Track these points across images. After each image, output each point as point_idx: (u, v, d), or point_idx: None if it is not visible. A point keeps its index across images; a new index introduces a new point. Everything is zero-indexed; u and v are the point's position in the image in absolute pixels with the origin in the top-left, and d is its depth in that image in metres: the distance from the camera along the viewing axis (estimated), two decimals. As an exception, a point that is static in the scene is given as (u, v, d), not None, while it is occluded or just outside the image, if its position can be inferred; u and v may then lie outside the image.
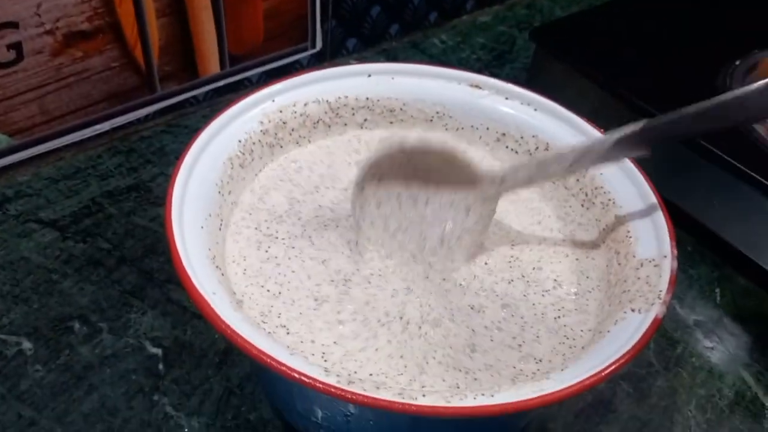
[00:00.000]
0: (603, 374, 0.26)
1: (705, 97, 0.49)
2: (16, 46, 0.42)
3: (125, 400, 0.36)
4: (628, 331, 0.28)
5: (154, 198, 0.46)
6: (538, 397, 0.25)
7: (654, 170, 0.37)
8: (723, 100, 0.28)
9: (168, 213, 0.30)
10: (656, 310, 0.28)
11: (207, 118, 0.52)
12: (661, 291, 0.29)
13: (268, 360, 0.25)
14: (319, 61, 0.58)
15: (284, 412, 0.35)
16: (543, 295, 0.33)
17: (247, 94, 0.37)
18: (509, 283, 0.33)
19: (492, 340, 0.31)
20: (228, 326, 0.26)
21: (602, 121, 0.37)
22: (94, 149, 0.49)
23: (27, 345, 0.38)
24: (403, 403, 0.25)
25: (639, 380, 0.39)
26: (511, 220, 0.36)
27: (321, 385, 0.25)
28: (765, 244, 0.44)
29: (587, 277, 0.34)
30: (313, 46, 0.57)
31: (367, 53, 0.61)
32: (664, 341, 0.41)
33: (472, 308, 0.32)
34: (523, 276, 0.34)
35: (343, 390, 0.25)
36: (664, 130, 0.30)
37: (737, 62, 0.49)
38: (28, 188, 0.46)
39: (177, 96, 0.51)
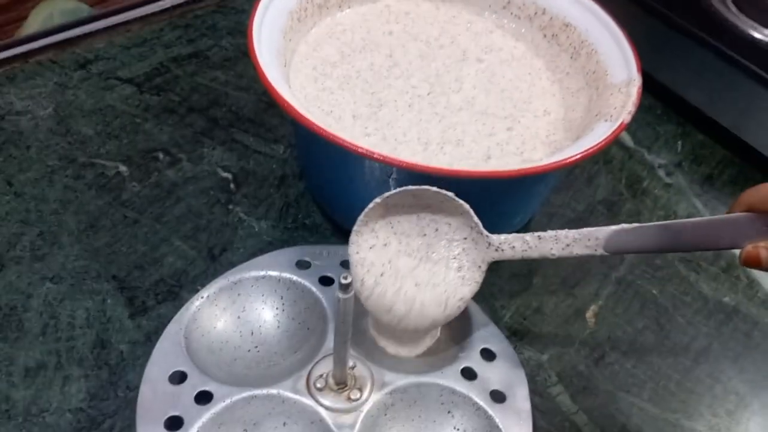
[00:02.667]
0: (576, 158, 0.35)
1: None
2: (99, -74, 0.50)
3: (207, 207, 0.45)
4: (600, 132, 0.37)
5: (212, 63, 0.55)
6: (525, 168, 0.35)
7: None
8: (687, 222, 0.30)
9: (253, 52, 0.38)
10: (623, 117, 0.38)
11: (250, 1, 0.61)
12: (628, 106, 0.38)
13: (344, 143, 0.34)
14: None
15: (333, 215, 0.45)
16: (534, 119, 0.42)
17: (300, -36, 0.45)
18: (507, 114, 0.42)
19: (502, 151, 0.40)
20: (319, 127, 0.35)
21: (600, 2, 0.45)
22: (157, 23, 0.57)
23: (123, 168, 0.47)
24: (443, 169, 0.34)
25: (611, 205, 0.49)
26: (504, 72, 0.45)
27: (378, 156, 0.34)
28: (722, 104, 0.53)
29: (573, 110, 0.43)
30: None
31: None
32: (633, 178, 0.51)
33: (485, 132, 0.41)
34: (515, 106, 0.43)
35: (392, 159, 0.34)
36: (631, 239, 0.32)
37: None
38: (105, 53, 0.54)
39: (225, -21, 0.59)
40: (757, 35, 0.52)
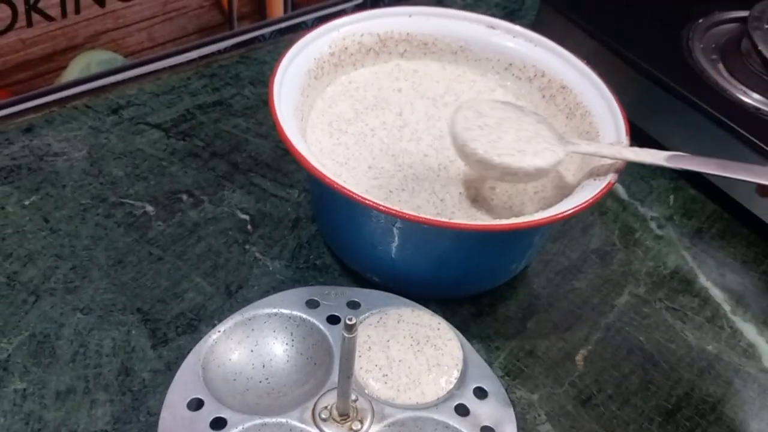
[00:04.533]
0: (565, 214, 0.39)
1: (673, 48, 0.62)
2: (137, -15, 0.55)
3: (225, 247, 0.49)
4: (590, 191, 0.41)
5: (234, 111, 0.59)
6: (511, 223, 0.38)
7: (629, 103, 0.49)
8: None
9: (273, 108, 0.42)
10: (611, 177, 0.41)
11: (272, 53, 0.65)
12: (616, 166, 0.42)
13: (363, 200, 0.37)
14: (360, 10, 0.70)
15: (342, 258, 0.48)
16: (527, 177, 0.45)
17: (317, 25, 0.49)
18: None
19: (496, 215, 0.44)
20: (329, 179, 0.38)
21: (591, 65, 0.49)
22: (185, 72, 0.61)
23: (149, 208, 0.51)
24: (441, 221, 0.37)
25: (604, 254, 0.52)
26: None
27: (383, 209, 0.37)
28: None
29: (566, 169, 0.47)
30: (358, -3, 0.69)
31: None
32: (626, 229, 0.54)
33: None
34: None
35: (398, 211, 0.37)
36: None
37: (700, 20, 0.61)
38: (136, 99, 0.59)
39: (249, 33, 0.63)
40: (746, 99, 0.55)
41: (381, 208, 0.37)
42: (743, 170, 0.41)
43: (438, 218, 0.40)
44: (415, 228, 0.40)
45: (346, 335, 0.31)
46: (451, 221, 0.38)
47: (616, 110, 0.45)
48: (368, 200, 0.38)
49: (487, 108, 0.43)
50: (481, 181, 0.45)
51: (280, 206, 0.52)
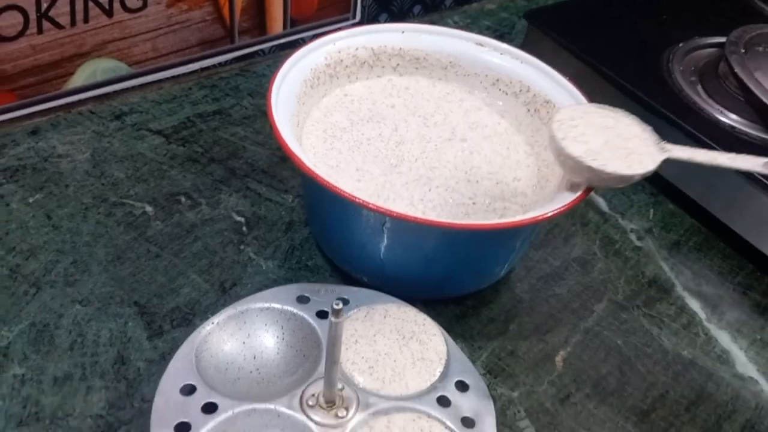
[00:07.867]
0: (544, 217, 0.41)
1: (654, 70, 0.64)
2: (144, -2, 0.57)
3: (221, 246, 0.51)
4: (569, 196, 0.43)
5: (233, 120, 0.61)
6: (499, 223, 0.40)
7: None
8: None
9: (271, 113, 0.44)
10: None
11: (270, 68, 0.68)
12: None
13: (351, 197, 0.40)
14: (357, 29, 0.73)
15: (333, 258, 0.50)
16: (499, 185, 0.48)
17: (315, 38, 0.51)
18: (477, 182, 0.48)
19: (478, 214, 0.46)
20: (323, 179, 0.40)
21: (575, 83, 0.52)
22: (186, 83, 0.64)
23: (149, 208, 0.52)
24: (429, 220, 0.39)
25: (585, 263, 0.54)
26: (483, 147, 0.51)
27: (373, 206, 0.39)
28: (690, 178, 0.59)
29: (547, 180, 0.49)
30: (354, 17, 0.72)
31: (394, 27, 0.76)
32: (606, 240, 0.56)
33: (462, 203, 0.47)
34: (477, 179, 0.48)
35: (387, 210, 0.39)
36: None
37: (680, 45, 0.64)
38: (139, 107, 0.61)
39: (250, 47, 0.66)
40: (722, 119, 0.58)
41: (370, 206, 0.40)
42: None
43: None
44: (402, 227, 0.43)
45: (333, 320, 0.33)
46: (439, 220, 0.40)
47: (596, 124, 0.48)
48: (358, 198, 0.40)
49: (586, 115, 0.45)
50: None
51: (275, 210, 0.54)
